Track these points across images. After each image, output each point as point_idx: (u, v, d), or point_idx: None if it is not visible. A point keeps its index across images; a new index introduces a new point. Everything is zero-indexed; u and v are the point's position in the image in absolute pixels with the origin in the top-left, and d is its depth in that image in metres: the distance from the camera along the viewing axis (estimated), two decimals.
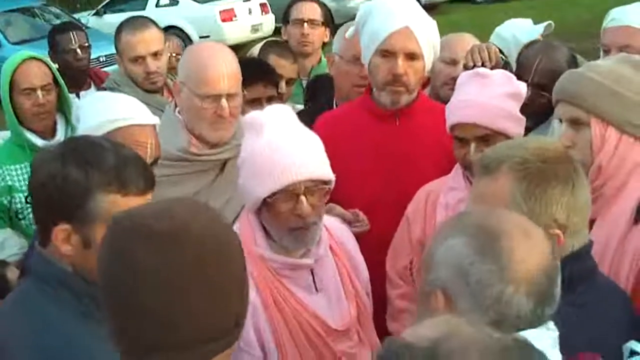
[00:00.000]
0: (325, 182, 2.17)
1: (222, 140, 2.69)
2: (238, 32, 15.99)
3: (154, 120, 2.37)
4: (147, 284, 1.26)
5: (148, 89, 3.67)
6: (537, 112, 2.68)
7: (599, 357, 1.57)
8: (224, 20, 16.17)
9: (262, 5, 16.94)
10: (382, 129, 2.74)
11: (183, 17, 16.19)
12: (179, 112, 2.75)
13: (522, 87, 2.42)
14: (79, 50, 4.38)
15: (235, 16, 16.32)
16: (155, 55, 3.67)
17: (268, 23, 16.66)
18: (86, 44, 4.45)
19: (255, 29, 16.40)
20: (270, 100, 3.13)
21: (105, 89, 3.61)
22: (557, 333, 1.43)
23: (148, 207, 1.41)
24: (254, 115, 2.23)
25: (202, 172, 2.70)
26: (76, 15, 16.46)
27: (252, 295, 1.95)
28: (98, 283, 1.35)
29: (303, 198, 2.10)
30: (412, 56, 2.66)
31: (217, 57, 2.67)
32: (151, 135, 2.31)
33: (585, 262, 1.79)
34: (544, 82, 2.33)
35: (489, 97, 2.35)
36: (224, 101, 2.62)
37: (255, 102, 3.04)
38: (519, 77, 2.83)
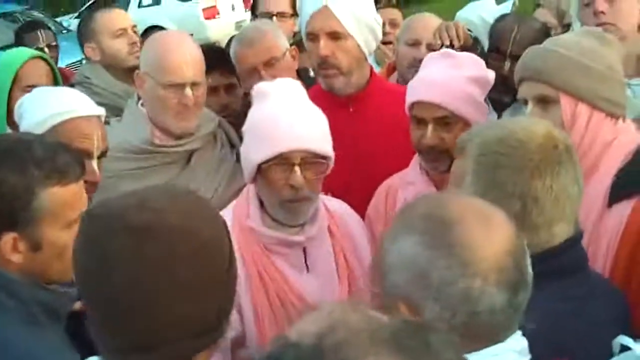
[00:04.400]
0: (324, 157, 2.09)
1: (187, 131, 2.61)
2: (222, 29, 15.85)
3: (99, 111, 2.27)
4: (118, 279, 1.18)
5: (131, 64, 3.44)
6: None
7: None
8: (207, 18, 16.09)
9: (245, 0, 16.82)
10: (336, 115, 2.55)
11: (166, 17, 16.06)
12: (142, 105, 2.67)
13: (490, 75, 2.30)
14: (46, 49, 4.30)
15: (218, 13, 16.24)
16: (133, 29, 3.55)
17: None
18: (54, 43, 4.39)
19: (239, 25, 16.25)
20: (229, 88, 3.04)
21: (73, 86, 3.49)
22: (525, 342, 1.29)
23: (124, 197, 1.28)
24: (262, 84, 2.18)
25: (167, 165, 2.62)
26: (58, 19, 16.31)
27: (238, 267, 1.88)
28: (74, 275, 1.26)
29: (297, 169, 2.03)
30: (335, 35, 2.55)
31: (179, 44, 2.58)
32: (97, 127, 2.21)
33: (575, 253, 1.67)
34: (523, 52, 2.23)
35: (454, 79, 2.22)
36: (187, 90, 2.54)
37: (213, 91, 2.92)
38: (495, 50, 2.76)
